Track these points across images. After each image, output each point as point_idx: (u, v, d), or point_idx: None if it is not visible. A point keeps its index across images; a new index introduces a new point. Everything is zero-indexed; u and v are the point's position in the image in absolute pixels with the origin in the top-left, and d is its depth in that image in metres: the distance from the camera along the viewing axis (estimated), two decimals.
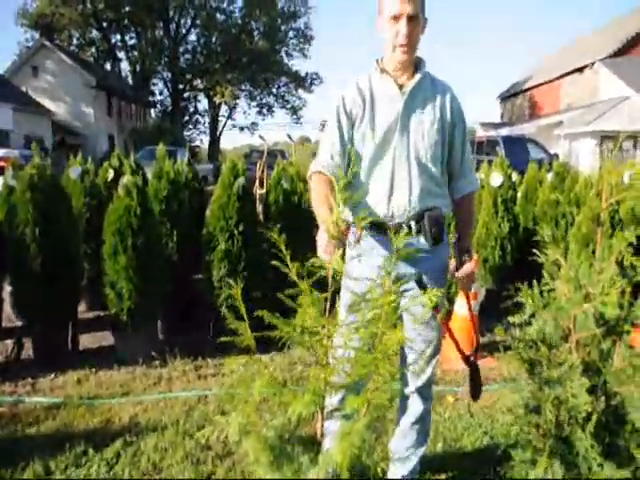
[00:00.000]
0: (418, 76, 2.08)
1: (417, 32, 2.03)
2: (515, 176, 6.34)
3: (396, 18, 1.98)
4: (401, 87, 2.08)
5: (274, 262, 1.39)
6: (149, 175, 4.97)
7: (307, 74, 43.95)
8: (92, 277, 4.70)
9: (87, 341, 4.41)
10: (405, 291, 2.11)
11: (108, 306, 3.95)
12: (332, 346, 1.34)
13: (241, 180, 4.03)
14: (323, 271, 1.37)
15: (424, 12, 2.05)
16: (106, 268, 3.88)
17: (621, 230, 4.24)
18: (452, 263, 2.23)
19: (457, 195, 2.25)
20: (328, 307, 1.37)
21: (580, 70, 30.28)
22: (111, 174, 5.93)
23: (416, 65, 2.11)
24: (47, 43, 30.57)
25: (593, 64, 28.90)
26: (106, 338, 4.34)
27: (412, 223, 2.08)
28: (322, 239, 1.71)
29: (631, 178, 7.32)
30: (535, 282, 2.01)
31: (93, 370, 3.80)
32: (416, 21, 2.00)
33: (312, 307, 1.34)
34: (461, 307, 4.01)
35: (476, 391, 2.33)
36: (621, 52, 28.57)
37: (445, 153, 2.15)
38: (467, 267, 2.19)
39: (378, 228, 2.07)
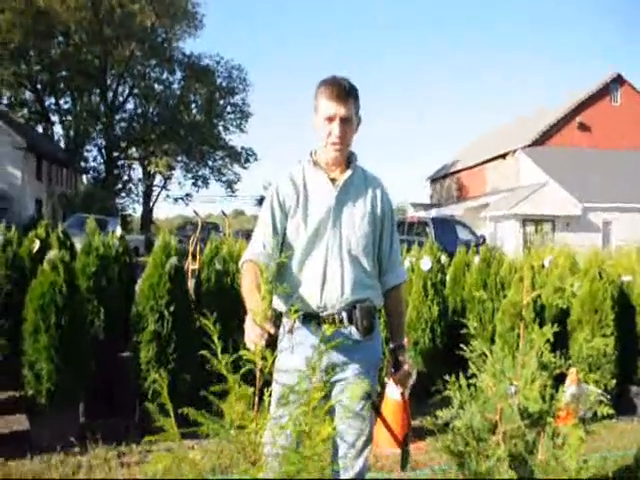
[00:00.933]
0: (350, 171, 2.16)
1: (350, 132, 2.13)
2: (444, 259, 6.59)
3: (330, 119, 2.08)
4: (333, 181, 2.15)
5: (204, 352, 1.38)
6: (78, 245, 4.84)
7: (243, 149, 44.66)
8: (8, 354, 4.44)
9: None
10: (337, 381, 2.11)
11: (24, 387, 3.72)
12: (261, 443, 1.31)
13: (173, 260, 3.98)
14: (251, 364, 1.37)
15: (358, 112, 2.17)
16: (26, 347, 3.69)
17: (541, 318, 4.45)
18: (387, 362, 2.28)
19: (386, 287, 2.27)
20: (257, 401, 1.35)
21: (503, 156, 32.33)
22: (37, 245, 5.73)
23: (348, 159, 2.20)
24: None
25: (515, 151, 30.95)
26: (20, 422, 4.06)
27: (344, 314, 2.10)
28: (249, 327, 1.71)
29: (551, 262, 7.68)
30: (462, 373, 2.08)
31: (1, 460, 3.50)
32: (349, 122, 2.10)
33: (240, 401, 1.32)
34: (393, 392, 4.02)
35: (404, 463, 2.35)
36: (540, 141, 30.77)
37: (375, 245, 2.21)
38: (405, 369, 2.23)
39: (310, 319, 2.09)
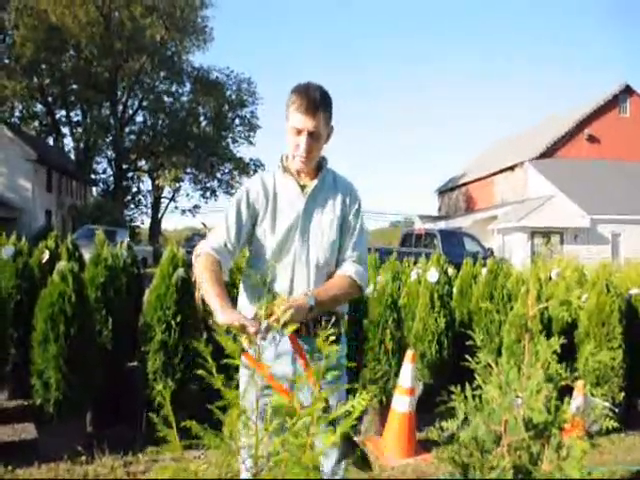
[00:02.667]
0: (317, 179, 2.15)
1: (318, 145, 2.10)
2: (451, 271, 6.59)
3: (298, 131, 2.05)
4: (303, 188, 2.14)
5: (200, 372, 1.39)
6: (87, 256, 4.88)
7: (251, 160, 44.88)
8: (17, 363, 4.47)
9: (6, 434, 4.13)
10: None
11: (33, 395, 3.75)
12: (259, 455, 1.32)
13: (180, 271, 4.01)
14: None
15: (329, 122, 2.13)
16: (35, 356, 3.72)
17: (549, 331, 4.45)
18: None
19: (337, 271, 2.15)
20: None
21: (511, 168, 32.27)
22: (46, 256, 5.79)
23: (319, 164, 2.18)
24: None
25: (523, 163, 30.91)
26: (28, 430, 4.08)
27: (310, 324, 2.06)
28: (225, 312, 1.73)
29: (558, 275, 7.66)
30: (468, 384, 2.08)
31: (10, 468, 3.53)
32: (317, 135, 2.06)
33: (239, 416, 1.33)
34: (400, 404, 4.02)
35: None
36: (549, 153, 30.72)
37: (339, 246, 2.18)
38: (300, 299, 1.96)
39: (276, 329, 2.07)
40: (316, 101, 2.03)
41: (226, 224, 2.09)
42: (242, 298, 2.21)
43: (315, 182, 2.14)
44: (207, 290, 1.86)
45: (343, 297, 2.13)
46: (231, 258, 2.05)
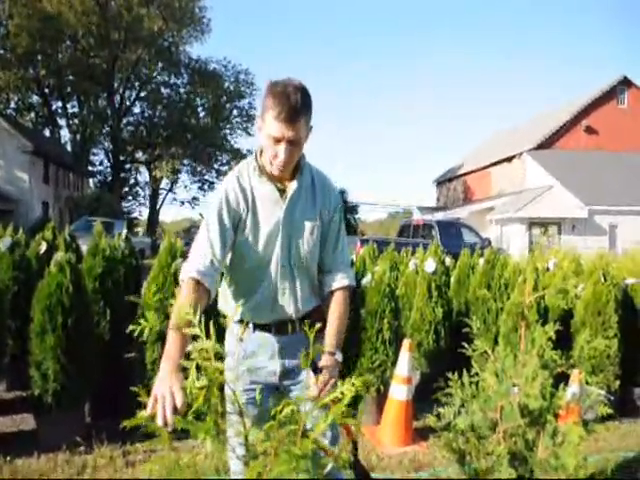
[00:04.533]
0: (296, 182, 2.02)
1: (297, 151, 1.94)
2: (448, 261, 6.61)
3: (277, 140, 1.88)
4: (282, 192, 2.02)
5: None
6: (84, 248, 4.88)
7: (248, 151, 44.75)
8: (15, 354, 4.48)
9: (5, 424, 4.15)
10: (293, 385, 2.09)
11: (31, 386, 3.76)
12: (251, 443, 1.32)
13: (179, 261, 4.02)
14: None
15: (309, 124, 1.94)
16: (32, 347, 3.72)
17: (545, 320, 4.46)
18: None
19: (326, 289, 2.11)
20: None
21: (509, 159, 32.28)
22: (44, 247, 5.79)
23: (297, 163, 2.03)
24: None
25: (521, 154, 30.91)
26: (26, 421, 4.10)
27: (297, 323, 2.07)
28: (163, 378, 1.53)
29: (555, 265, 7.69)
30: (465, 372, 2.10)
31: (9, 458, 3.54)
32: (297, 142, 1.90)
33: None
34: (397, 392, 4.04)
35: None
36: (547, 144, 30.72)
37: (321, 247, 2.12)
38: (325, 375, 1.89)
39: (262, 327, 2.06)
40: (297, 108, 1.83)
41: (209, 238, 1.94)
42: (221, 301, 2.17)
43: (294, 185, 2.02)
44: (167, 340, 1.67)
45: (346, 313, 2.11)
46: (218, 274, 1.95)
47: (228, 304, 2.11)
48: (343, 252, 2.16)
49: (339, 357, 1.98)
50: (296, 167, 2.03)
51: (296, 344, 1.95)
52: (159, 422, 1.41)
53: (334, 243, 2.13)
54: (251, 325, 2.04)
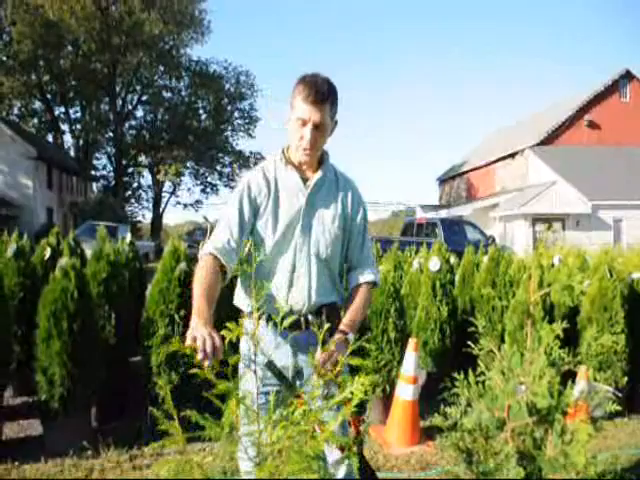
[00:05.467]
0: (321, 172, 2.12)
1: (322, 137, 2.06)
2: (453, 259, 6.59)
3: (303, 122, 2.00)
4: (305, 181, 2.11)
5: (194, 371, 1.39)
6: (88, 253, 4.88)
7: (251, 153, 44.80)
8: (22, 360, 4.49)
9: (12, 430, 4.15)
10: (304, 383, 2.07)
11: (38, 392, 3.76)
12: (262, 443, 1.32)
13: (183, 265, 4.01)
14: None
15: (334, 116, 2.09)
16: (38, 352, 3.73)
17: (551, 317, 4.45)
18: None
19: (352, 283, 2.20)
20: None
21: (512, 156, 32.20)
22: (48, 252, 5.79)
23: (321, 157, 2.15)
24: None
25: (523, 151, 30.83)
26: (33, 427, 4.10)
27: (309, 317, 2.07)
28: (194, 328, 1.62)
29: (560, 261, 7.66)
30: (471, 371, 2.09)
31: (16, 464, 3.55)
32: (322, 128, 2.03)
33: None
34: (403, 392, 4.03)
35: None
36: (549, 140, 30.61)
37: (345, 246, 2.18)
38: (332, 350, 1.88)
39: (274, 322, 2.02)
40: (324, 93, 2.00)
41: (228, 220, 2.05)
42: (237, 296, 2.20)
43: (318, 175, 2.11)
44: (194, 298, 1.82)
45: (366, 307, 2.17)
46: (236, 255, 2.01)
47: (244, 297, 2.13)
48: (369, 251, 2.25)
49: (350, 338, 2.00)
50: (320, 160, 2.15)
51: (307, 344, 1.95)
52: (199, 356, 1.48)
53: (361, 241, 2.21)
54: (264, 321, 2.04)
